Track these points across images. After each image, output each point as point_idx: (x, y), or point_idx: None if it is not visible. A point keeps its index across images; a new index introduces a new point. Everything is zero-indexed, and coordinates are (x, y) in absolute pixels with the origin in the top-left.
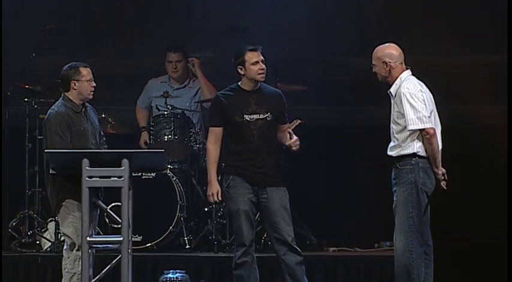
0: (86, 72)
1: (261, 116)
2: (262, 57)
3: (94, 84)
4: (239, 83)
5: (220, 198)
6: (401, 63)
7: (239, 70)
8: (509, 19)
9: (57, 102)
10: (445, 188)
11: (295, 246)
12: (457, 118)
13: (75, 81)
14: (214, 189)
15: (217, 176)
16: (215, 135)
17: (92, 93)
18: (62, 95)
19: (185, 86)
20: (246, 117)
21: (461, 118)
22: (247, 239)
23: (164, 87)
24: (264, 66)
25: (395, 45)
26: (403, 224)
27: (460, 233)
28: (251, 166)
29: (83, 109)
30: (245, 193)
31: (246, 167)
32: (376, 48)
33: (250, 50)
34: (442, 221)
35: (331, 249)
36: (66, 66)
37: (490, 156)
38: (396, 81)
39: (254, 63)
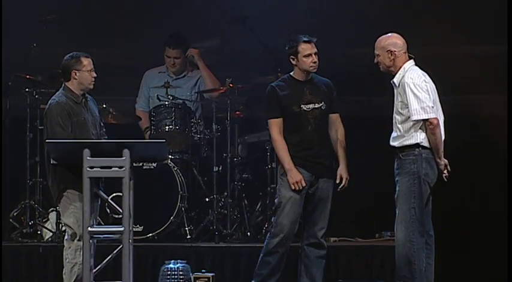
0: (87, 62)
1: (317, 105)
2: (315, 50)
3: (95, 75)
4: (291, 74)
5: (305, 184)
6: (405, 52)
7: (291, 60)
8: (509, 9)
9: (57, 93)
10: (446, 180)
11: (323, 241)
12: (457, 108)
13: (76, 71)
14: (298, 176)
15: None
16: (278, 126)
17: (93, 83)
18: (63, 85)
19: (184, 75)
20: (303, 107)
21: (462, 108)
22: (287, 229)
23: (163, 77)
24: (316, 58)
25: (399, 35)
26: (405, 214)
27: (461, 223)
28: (310, 156)
29: (83, 100)
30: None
31: (305, 157)
32: (380, 38)
33: (305, 42)
34: (443, 212)
35: (333, 239)
36: (67, 55)
37: (490, 147)
38: (400, 71)
39: (307, 55)
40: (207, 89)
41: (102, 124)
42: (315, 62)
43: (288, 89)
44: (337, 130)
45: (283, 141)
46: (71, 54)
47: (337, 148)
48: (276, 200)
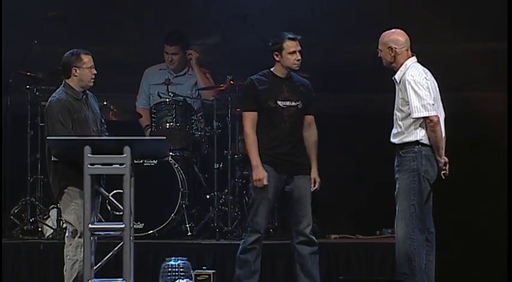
0: (87, 59)
1: (293, 103)
2: (299, 47)
3: (95, 72)
4: (272, 69)
5: (267, 183)
6: (407, 49)
7: (275, 56)
8: (510, 6)
9: (58, 90)
10: (443, 177)
11: (312, 237)
12: (457, 106)
13: (76, 68)
14: (262, 173)
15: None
16: (252, 119)
17: (93, 80)
18: (63, 82)
19: (185, 73)
20: (280, 103)
21: (462, 106)
22: (262, 227)
23: (164, 74)
24: (300, 56)
25: (402, 31)
26: (404, 212)
27: (461, 220)
28: (280, 154)
29: (84, 96)
30: (272, 182)
31: (275, 155)
32: (383, 34)
33: (290, 39)
34: (443, 208)
35: (333, 236)
36: (68, 52)
37: (490, 144)
38: (401, 68)
39: (292, 52)
40: (203, 87)
41: (103, 121)
42: (298, 60)
43: (267, 83)
44: (311, 132)
45: (254, 137)
46: (71, 51)
47: (309, 150)
48: (250, 199)
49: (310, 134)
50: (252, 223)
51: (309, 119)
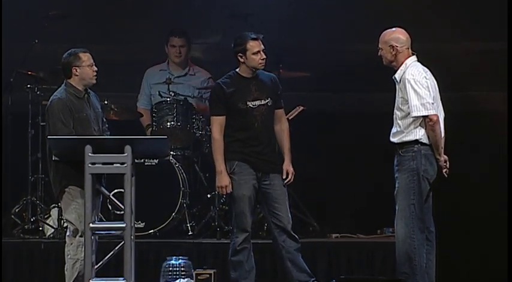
0: (86, 57)
1: (263, 102)
2: (263, 46)
3: (96, 69)
4: (237, 70)
5: (231, 190)
6: (408, 48)
7: (239, 58)
8: (510, 6)
9: (59, 89)
10: (446, 175)
11: (294, 234)
12: (457, 105)
13: (76, 68)
14: (226, 180)
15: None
16: (220, 124)
17: (95, 77)
18: (64, 81)
19: (186, 73)
20: (249, 103)
21: (462, 105)
22: (249, 225)
23: (165, 75)
24: (264, 55)
25: (403, 30)
26: (404, 211)
27: (461, 220)
28: (255, 153)
29: (85, 95)
30: (250, 179)
31: (250, 154)
32: (384, 32)
33: (253, 39)
34: (443, 208)
35: (334, 235)
36: (66, 53)
37: (490, 143)
38: (401, 67)
39: (256, 52)
40: (207, 86)
41: (104, 120)
42: (263, 59)
43: (234, 86)
44: (282, 125)
45: (221, 142)
46: (69, 51)
47: (282, 143)
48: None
49: (282, 127)
50: (236, 223)
51: (279, 112)
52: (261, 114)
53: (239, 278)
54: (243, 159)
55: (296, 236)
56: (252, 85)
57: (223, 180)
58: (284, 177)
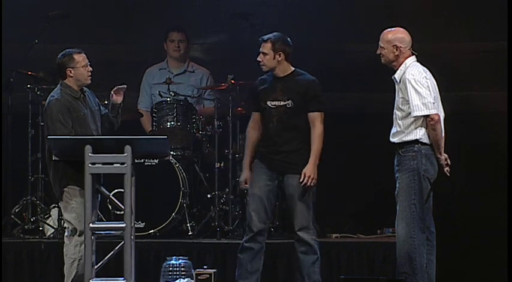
0: (80, 58)
1: (282, 103)
2: (261, 49)
3: (90, 69)
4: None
5: (247, 186)
6: (410, 48)
7: (278, 56)
8: (510, 6)
9: (55, 89)
10: (448, 174)
11: (301, 236)
12: (457, 105)
13: (70, 69)
14: (243, 176)
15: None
16: (253, 120)
17: (90, 77)
18: (60, 81)
19: (185, 70)
20: (269, 103)
21: (462, 105)
22: (255, 225)
23: (164, 74)
24: (261, 58)
25: (405, 30)
26: (405, 211)
27: (461, 220)
28: (269, 152)
29: (82, 95)
30: (262, 179)
31: (266, 153)
32: (386, 31)
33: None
34: (444, 208)
35: (334, 235)
36: (60, 54)
37: (491, 143)
38: (401, 67)
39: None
40: (207, 86)
41: (105, 111)
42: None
43: (266, 84)
44: (313, 129)
45: (249, 137)
46: (63, 52)
47: (311, 147)
48: None
49: (312, 131)
50: (246, 221)
51: (311, 116)
52: (279, 115)
53: (239, 277)
54: (260, 159)
55: (304, 239)
56: (279, 85)
57: (242, 174)
58: (301, 180)
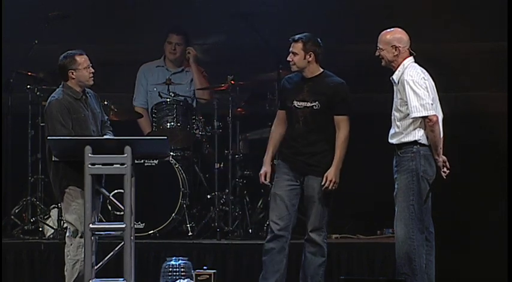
0: (82, 60)
1: (308, 104)
2: (291, 49)
3: (92, 70)
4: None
5: (268, 180)
6: (408, 49)
7: (308, 56)
8: (510, 6)
9: (57, 90)
10: (444, 177)
11: (313, 237)
12: (457, 105)
13: (72, 71)
14: (263, 169)
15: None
16: (278, 117)
17: (92, 79)
18: (62, 82)
19: (182, 69)
20: (295, 103)
21: (461, 105)
22: (276, 225)
23: (162, 71)
24: (291, 57)
25: (403, 30)
26: (404, 212)
27: (461, 220)
28: (293, 153)
29: (83, 96)
30: (284, 179)
31: (289, 154)
32: (384, 32)
33: (320, 46)
34: (443, 208)
35: (334, 236)
36: (61, 56)
37: (490, 143)
38: (399, 68)
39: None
40: (200, 88)
41: (106, 118)
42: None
43: (293, 83)
44: (338, 132)
45: (273, 133)
46: (65, 54)
47: (335, 150)
48: None
49: (337, 135)
50: (268, 222)
51: (336, 119)
52: (305, 116)
53: (260, 278)
54: (283, 159)
55: (315, 240)
56: (306, 86)
57: (263, 168)
58: (322, 183)
